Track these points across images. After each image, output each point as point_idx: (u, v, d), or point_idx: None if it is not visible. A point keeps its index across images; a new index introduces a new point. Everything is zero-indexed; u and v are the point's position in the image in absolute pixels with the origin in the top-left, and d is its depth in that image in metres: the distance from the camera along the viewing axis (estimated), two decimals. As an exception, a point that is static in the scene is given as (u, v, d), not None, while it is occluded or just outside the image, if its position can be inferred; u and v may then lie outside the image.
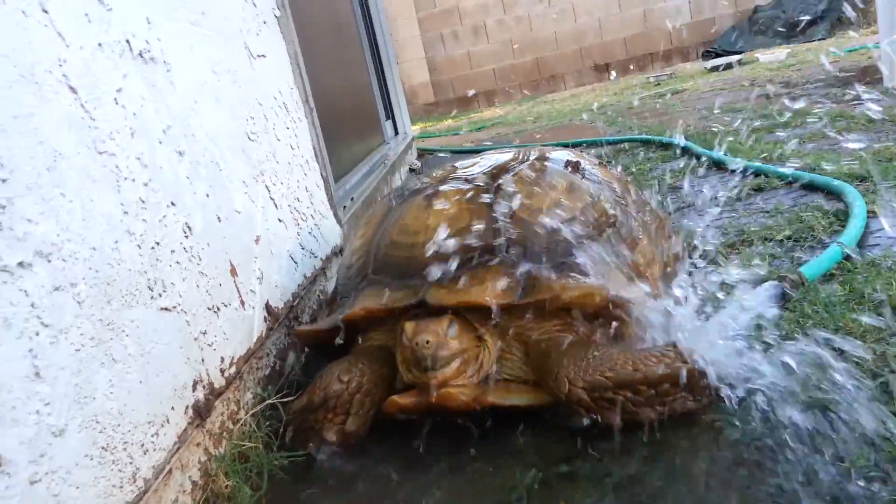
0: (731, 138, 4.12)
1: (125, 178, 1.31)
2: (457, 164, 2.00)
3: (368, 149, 4.71)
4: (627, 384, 1.42)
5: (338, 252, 2.74)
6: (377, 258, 1.74)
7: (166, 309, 1.36)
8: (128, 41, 1.45)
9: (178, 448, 1.32)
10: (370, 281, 1.71)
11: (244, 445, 1.61)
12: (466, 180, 1.81)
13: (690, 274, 2.04)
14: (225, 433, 1.58)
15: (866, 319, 1.64)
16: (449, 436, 1.63)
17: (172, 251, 1.43)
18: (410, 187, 1.92)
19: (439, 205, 1.72)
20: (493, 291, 1.54)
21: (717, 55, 10.09)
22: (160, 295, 1.35)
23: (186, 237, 1.50)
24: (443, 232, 1.65)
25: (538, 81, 11.79)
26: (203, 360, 1.47)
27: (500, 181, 1.76)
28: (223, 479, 1.49)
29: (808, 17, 10.31)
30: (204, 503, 1.43)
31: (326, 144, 2.99)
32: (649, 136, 4.83)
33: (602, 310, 1.58)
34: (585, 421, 1.46)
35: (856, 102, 4.50)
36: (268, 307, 1.88)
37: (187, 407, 1.38)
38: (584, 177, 1.86)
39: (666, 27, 11.48)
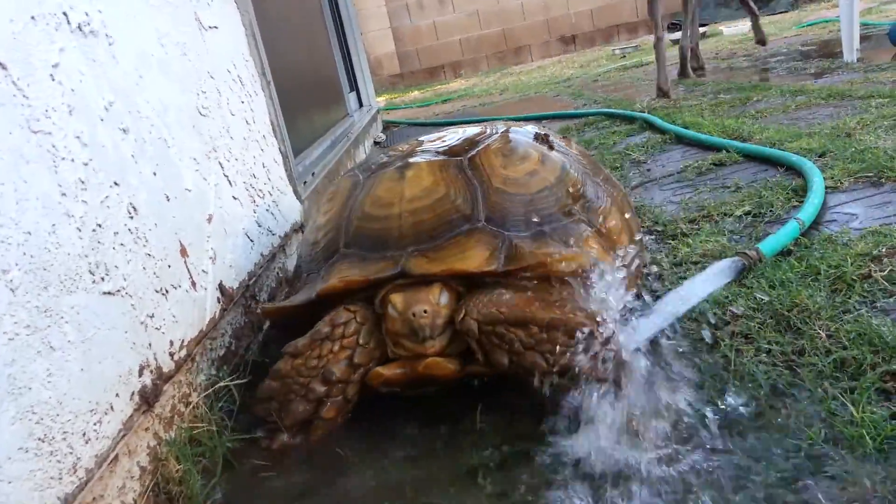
0: (691, 112, 4.12)
1: (63, 158, 1.25)
2: (422, 139, 1.98)
3: (331, 122, 4.63)
4: (519, 322, 1.43)
5: (298, 229, 2.69)
6: (349, 232, 1.70)
7: (109, 293, 1.31)
8: (65, 13, 1.38)
9: (124, 435, 1.28)
10: (344, 255, 1.67)
11: (197, 428, 1.58)
12: (437, 153, 1.79)
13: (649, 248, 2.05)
14: (176, 416, 1.55)
15: (819, 301, 1.65)
16: (407, 417, 1.62)
17: (116, 233, 1.38)
18: (376, 161, 1.89)
19: (413, 176, 1.69)
20: (478, 259, 1.53)
21: (682, 27, 10.08)
22: (103, 279, 1.30)
23: (131, 218, 1.45)
24: (420, 202, 1.64)
25: (504, 53, 11.70)
26: (150, 345, 1.43)
27: (472, 153, 1.75)
28: (174, 464, 1.46)
29: (772, -10, 10.35)
30: (153, 488, 1.40)
31: (285, 118, 2.93)
32: (613, 110, 4.82)
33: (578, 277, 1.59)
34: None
35: (816, 77, 4.54)
36: (221, 287, 1.84)
37: (133, 393, 1.34)
38: (552, 149, 1.86)
39: (632, -2, 11.45)
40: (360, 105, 6.59)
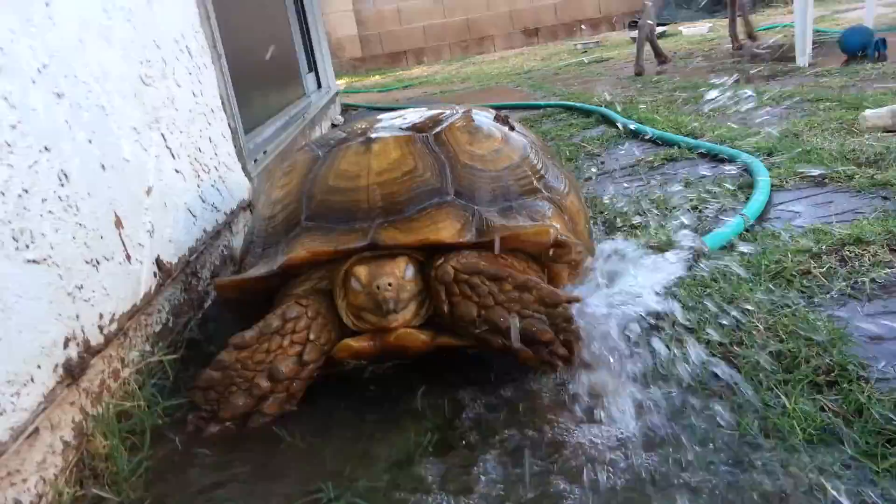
0: (647, 108, 4.16)
1: (-14, 118, 1.19)
2: (380, 117, 1.96)
3: (286, 101, 4.55)
4: (496, 277, 1.46)
5: (245, 206, 2.63)
6: (311, 205, 1.66)
7: (34, 262, 1.26)
8: (-4, -32, 1.31)
9: (45, 408, 1.23)
10: (306, 227, 1.63)
11: (126, 405, 1.53)
12: (401, 129, 1.77)
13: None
14: (105, 392, 1.49)
15: (759, 295, 1.67)
16: (349, 400, 1.59)
17: (44, 199, 1.32)
18: (334, 137, 1.85)
19: (380, 149, 1.67)
20: (451, 230, 1.52)
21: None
22: (27, 246, 1.25)
23: (62, 185, 1.39)
24: (388, 174, 1.62)
25: (468, 42, 11.67)
26: (78, 317, 1.37)
27: (437, 130, 1.74)
28: (100, 440, 1.41)
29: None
30: (78, 464, 1.35)
31: (238, 94, 2.86)
32: (571, 103, 4.83)
33: (546, 251, 1.63)
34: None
35: (769, 79, 4.61)
36: (158, 262, 1.78)
37: (57, 365, 1.28)
38: (513, 129, 1.86)
39: (595, -6, 11.52)
40: (319, 86, 6.49)
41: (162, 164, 1.91)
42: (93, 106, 1.57)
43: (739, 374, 1.40)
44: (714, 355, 1.48)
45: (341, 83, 8.76)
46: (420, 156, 1.67)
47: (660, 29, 9.12)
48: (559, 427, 1.35)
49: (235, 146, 2.65)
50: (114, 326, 1.51)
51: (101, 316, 1.46)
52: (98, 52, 1.67)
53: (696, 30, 8.66)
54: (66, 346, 1.32)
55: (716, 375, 1.41)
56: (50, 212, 1.33)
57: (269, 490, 1.32)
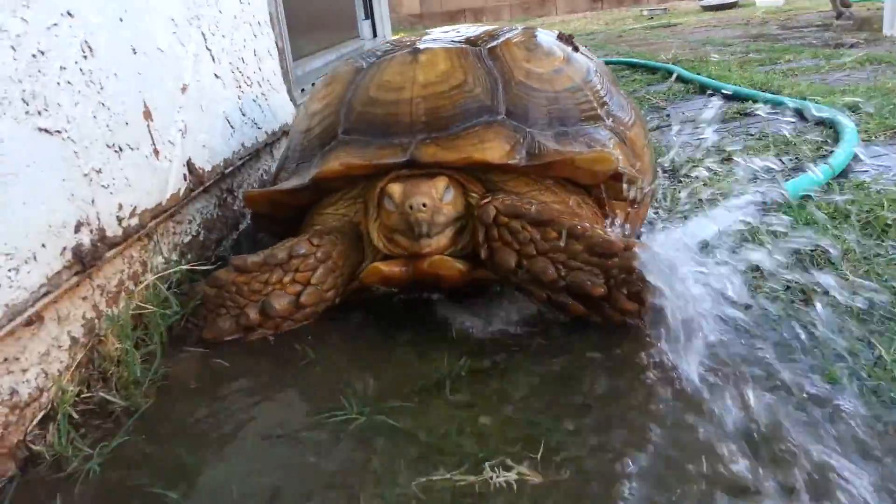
0: (720, 67, 3.91)
1: (0, -38, 1.07)
2: (430, 30, 1.79)
3: (339, 39, 4.40)
4: (540, 222, 1.29)
5: (288, 131, 2.50)
6: (350, 117, 1.52)
7: (46, 131, 1.14)
8: None
9: (48, 293, 1.12)
10: (343, 141, 1.49)
11: (146, 309, 1.41)
12: (452, 41, 1.61)
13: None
14: (123, 293, 1.38)
15: (850, 237, 1.48)
16: (379, 319, 1.46)
17: (63, 68, 1.20)
18: (381, 48, 1.70)
19: (428, 60, 1.51)
20: (498, 151, 1.36)
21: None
22: (39, 113, 1.13)
23: (85, 58, 1.27)
24: (434, 87, 1.46)
25: (529, 4, 11.35)
26: (93, 201, 1.25)
27: (492, 44, 1.58)
28: (113, 342, 1.30)
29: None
30: (86, 364, 1.25)
31: (287, 16, 2.72)
32: (636, 60, 4.59)
33: (605, 184, 1.47)
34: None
35: (852, 47, 4.30)
36: (189, 165, 1.66)
37: (65, 248, 1.17)
38: (577, 50, 1.68)
39: (666, -39, 11.06)
40: (375, 35, 6.33)
41: (200, 65, 1.78)
42: (126, -18, 1.45)
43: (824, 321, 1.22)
44: (793, 302, 1.31)
45: (397, 38, 8.59)
46: (471, 70, 1.51)
47: (731, -1, 8.74)
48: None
49: (282, 66, 2.52)
50: (134, 221, 1.40)
51: (119, 206, 1.34)
52: (137, -71, 1.54)
53: (770, 1, 8.23)
54: (77, 229, 1.20)
55: (799, 321, 1.24)
56: (69, 82, 1.21)
57: (285, 404, 1.20)
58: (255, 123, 2.16)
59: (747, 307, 1.27)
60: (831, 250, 1.41)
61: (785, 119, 2.64)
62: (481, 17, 11.33)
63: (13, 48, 1.08)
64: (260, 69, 2.26)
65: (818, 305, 1.25)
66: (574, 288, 1.27)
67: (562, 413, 1.07)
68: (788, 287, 1.35)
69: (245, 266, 1.36)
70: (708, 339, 1.19)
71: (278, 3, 2.57)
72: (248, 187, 2.14)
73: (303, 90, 2.93)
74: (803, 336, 1.18)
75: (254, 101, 2.17)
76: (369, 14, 6.31)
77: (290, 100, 2.60)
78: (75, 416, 1.16)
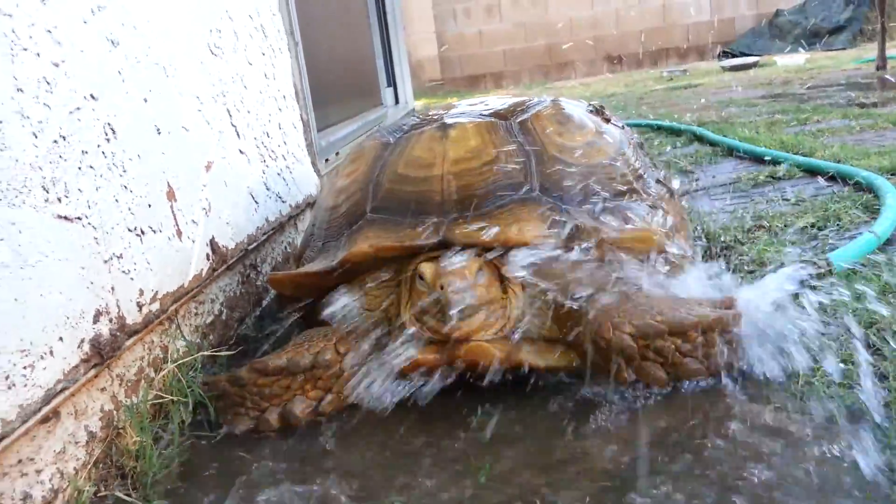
0: (748, 129, 3.86)
1: (24, 49, 1.05)
2: (458, 102, 1.77)
3: (363, 108, 4.44)
4: (678, 330, 1.23)
5: (312, 203, 2.48)
6: (378, 194, 1.48)
7: (66, 218, 1.10)
8: None
9: (65, 388, 1.06)
10: (371, 220, 1.45)
11: (164, 398, 1.36)
12: (482, 115, 1.57)
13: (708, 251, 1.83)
14: (143, 381, 1.33)
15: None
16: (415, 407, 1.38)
17: (84, 152, 1.17)
18: (408, 122, 1.67)
19: (458, 136, 1.48)
20: (535, 230, 1.31)
21: (734, 56, 9.84)
22: (59, 200, 1.09)
23: (108, 140, 1.24)
24: (465, 164, 1.43)
25: (549, 68, 11.48)
26: (113, 289, 1.21)
27: (523, 117, 1.54)
28: (131, 434, 1.24)
29: (830, 26, 10.03)
30: (101, 459, 1.18)
31: (313, 89, 2.73)
32: (659, 122, 4.57)
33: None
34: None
35: (879, 106, 4.25)
36: (213, 244, 1.62)
37: (83, 340, 1.12)
38: (609, 122, 1.64)
39: (684, 23, 11.18)
40: (397, 102, 6.41)
41: (225, 142, 1.76)
42: (152, 63, 1.44)
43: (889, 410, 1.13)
44: (852, 388, 1.22)
45: (419, 104, 8.70)
46: (502, 144, 1.47)
47: (751, 59, 8.78)
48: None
49: (306, 139, 2.51)
50: (155, 306, 1.35)
51: (140, 292, 1.30)
52: (162, 7, 1.53)
53: (791, 61, 8.25)
54: (96, 319, 1.16)
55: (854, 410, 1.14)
56: (90, 167, 1.18)
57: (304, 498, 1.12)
58: (280, 197, 2.13)
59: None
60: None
61: (819, 183, 2.57)
62: (501, 82, 11.48)
63: (35, 135, 1.05)
64: (285, 143, 2.25)
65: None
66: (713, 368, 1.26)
67: None
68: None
69: (266, 370, 1.30)
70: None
71: (303, 75, 2.58)
72: (272, 261, 2.10)
73: (326, 160, 2.92)
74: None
75: (278, 174, 2.15)
76: (392, 81, 6.40)
77: (315, 171, 2.58)
78: (89, 519, 1.10)
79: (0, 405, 0.93)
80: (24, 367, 0.99)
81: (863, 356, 1.24)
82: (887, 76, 5.49)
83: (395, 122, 1.79)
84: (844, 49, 9.46)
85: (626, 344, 1.22)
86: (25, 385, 0.99)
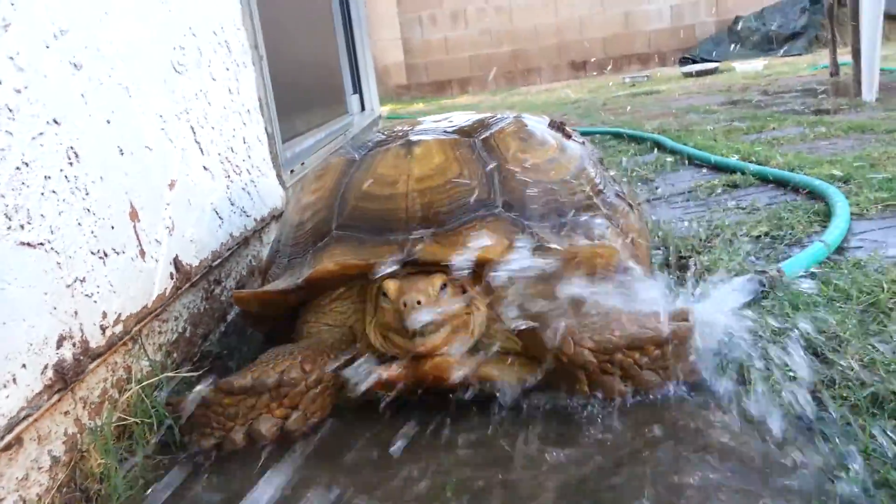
0: (705, 137, 3.95)
1: (-14, 77, 1.05)
2: (423, 119, 1.79)
3: (328, 117, 4.45)
4: (636, 345, 1.28)
5: (277, 216, 2.49)
6: (344, 212, 1.50)
7: (28, 244, 1.11)
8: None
9: (28, 415, 1.07)
10: (337, 237, 1.47)
11: (128, 420, 1.36)
12: (446, 132, 1.60)
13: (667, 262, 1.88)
14: (107, 402, 1.33)
15: (852, 328, 1.45)
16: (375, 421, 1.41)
17: (47, 177, 1.18)
18: (373, 139, 1.69)
19: (423, 153, 1.50)
20: (498, 247, 1.34)
21: (695, 62, 10.02)
22: (22, 227, 1.10)
23: (70, 164, 1.25)
24: (430, 181, 1.45)
25: (514, 73, 11.58)
26: (76, 313, 1.21)
27: (485, 134, 1.57)
28: (96, 457, 1.24)
29: (787, 32, 10.27)
30: (66, 483, 1.18)
31: (278, 101, 2.74)
32: (621, 129, 4.65)
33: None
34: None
35: (833, 113, 4.37)
36: (176, 263, 1.63)
37: (46, 366, 1.12)
38: (569, 138, 1.68)
39: (646, 30, 11.37)
40: (363, 108, 6.41)
41: (189, 158, 1.77)
42: (114, 84, 1.44)
43: (834, 417, 1.18)
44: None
45: (385, 109, 8.72)
46: (466, 162, 1.50)
47: (711, 65, 8.95)
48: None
49: (271, 152, 2.52)
50: (119, 328, 1.35)
51: (104, 315, 1.31)
52: (125, 27, 1.54)
53: (749, 66, 8.44)
54: (59, 345, 1.16)
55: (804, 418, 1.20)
56: (53, 191, 1.19)
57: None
58: (244, 211, 2.14)
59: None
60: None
61: (773, 191, 2.65)
62: (467, 87, 11.54)
63: (-4, 163, 1.06)
64: (249, 157, 2.25)
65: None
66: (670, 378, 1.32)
67: None
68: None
69: (232, 389, 1.30)
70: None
71: (268, 88, 2.58)
72: (237, 276, 2.11)
73: (292, 171, 2.93)
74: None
75: (243, 189, 2.15)
76: (358, 88, 6.41)
77: (280, 183, 2.59)
78: (53, 544, 1.10)
79: (-36, 435, 0.94)
80: (-12, 396, 0.99)
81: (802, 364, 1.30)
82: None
83: (360, 138, 1.81)
84: (801, 55, 9.69)
85: (587, 360, 1.26)
86: (-10, 414, 0.99)
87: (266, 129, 2.49)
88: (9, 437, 1.02)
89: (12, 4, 1.15)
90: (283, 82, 2.91)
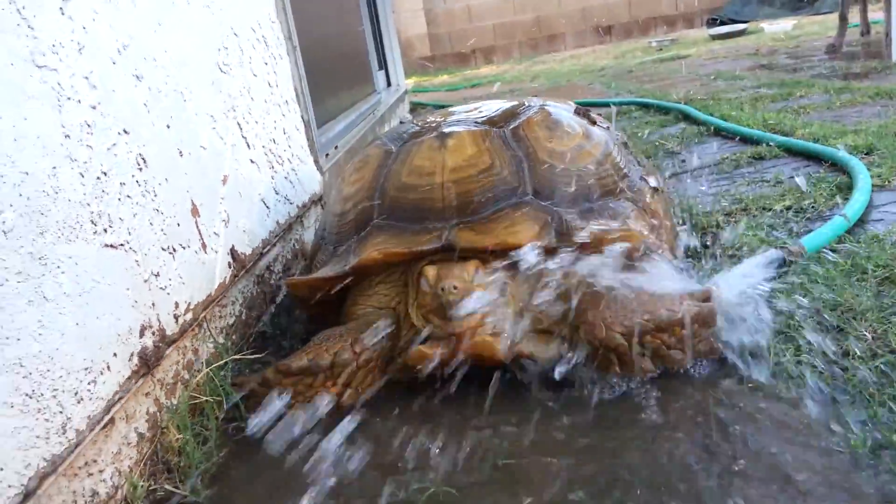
0: (732, 106, 3.98)
1: (68, 98, 1.18)
2: (453, 109, 1.90)
3: (357, 97, 4.54)
4: (664, 327, 1.38)
5: (317, 201, 2.61)
6: (384, 202, 1.62)
7: (111, 246, 1.24)
8: (81, -52, 1.30)
9: (121, 398, 1.21)
10: (379, 226, 1.59)
11: (199, 398, 1.50)
12: (476, 122, 1.71)
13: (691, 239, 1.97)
14: (180, 383, 1.47)
15: (867, 298, 1.54)
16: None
17: (122, 184, 1.30)
18: (407, 130, 1.80)
19: (455, 145, 1.61)
20: (529, 233, 1.45)
21: (722, 23, 9.89)
22: (105, 230, 1.23)
23: (140, 170, 1.37)
24: (463, 172, 1.56)
25: (538, 40, 11.52)
26: (154, 305, 1.35)
27: (514, 124, 1.67)
28: (174, 433, 1.39)
29: (816, -11, 10.07)
30: (151, 457, 1.33)
31: (310, 87, 2.84)
32: (647, 100, 4.68)
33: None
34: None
35: (861, 77, 4.36)
36: (233, 252, 1.76)
37: (132, 354, 1.26)
38: (594, 124, 1.78)
39: (672, -9, 11.22)
40: (389, 84, 6.48)
41: (238, 154, 1.89)
42: (171, 91, 1.56)
43: (847, 388, 1.28)
44: (816, 367, 1.36)
45: (410, 82, 8.76)
46: (496, 152, 1.61)
47: (740, 26, 8.84)
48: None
49: (308, 139, 2.63)
50: (189, 316, 1.49)
51: (176, 305, 1.44)
52: (176, 36, 1.65)
53: (778, 27, 8.33)
54: (141, 334, 1.30)
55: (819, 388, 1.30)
56: (128, 196, 1.31)
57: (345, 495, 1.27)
58: (288, 199, 2.26)
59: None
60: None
61: (799, 163, 2.71)
62: (491, 56, 11.52)
63: (81, 174, 1.18)
64: (289, 146, 2.37)
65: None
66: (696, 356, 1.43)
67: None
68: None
69: (290, 370, 1.44)
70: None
71: (302, 77, 2.69)
72: (283, 260, 2.24)
73: (327, 155, 3.04)
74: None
75: (285, 178, 2.27)
76: (383, 64, 6.47)
77: (318, 168, 2.71)
78: (148, 509, 1.25)
79: (74, 417, 1.08)
80: (89, 383, 1.13)
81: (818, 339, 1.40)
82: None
83: (396, 128, 1.91)
84: (830, 12, 9.51)
85: (618, 342, 1.37)
86: (91, 398, 1.13)
87: (302, 116, 2.60)
88: (106, 418, 1.16)
89: (84, 28, 1.26)
90: (314, 69, 3.01)
